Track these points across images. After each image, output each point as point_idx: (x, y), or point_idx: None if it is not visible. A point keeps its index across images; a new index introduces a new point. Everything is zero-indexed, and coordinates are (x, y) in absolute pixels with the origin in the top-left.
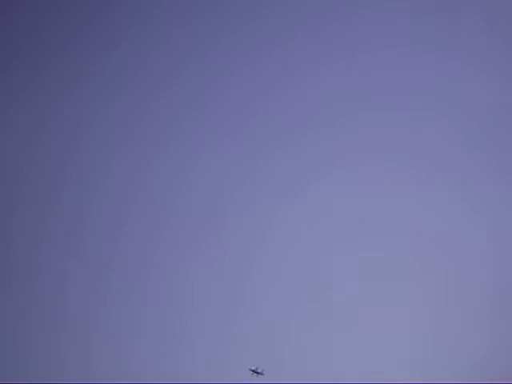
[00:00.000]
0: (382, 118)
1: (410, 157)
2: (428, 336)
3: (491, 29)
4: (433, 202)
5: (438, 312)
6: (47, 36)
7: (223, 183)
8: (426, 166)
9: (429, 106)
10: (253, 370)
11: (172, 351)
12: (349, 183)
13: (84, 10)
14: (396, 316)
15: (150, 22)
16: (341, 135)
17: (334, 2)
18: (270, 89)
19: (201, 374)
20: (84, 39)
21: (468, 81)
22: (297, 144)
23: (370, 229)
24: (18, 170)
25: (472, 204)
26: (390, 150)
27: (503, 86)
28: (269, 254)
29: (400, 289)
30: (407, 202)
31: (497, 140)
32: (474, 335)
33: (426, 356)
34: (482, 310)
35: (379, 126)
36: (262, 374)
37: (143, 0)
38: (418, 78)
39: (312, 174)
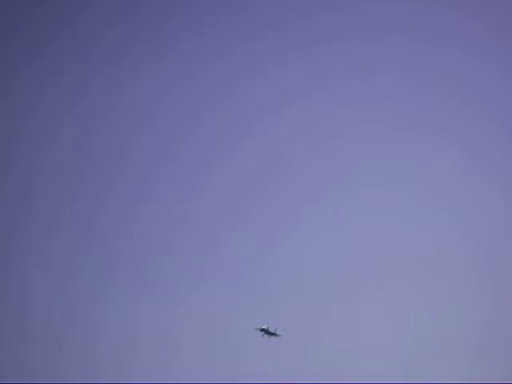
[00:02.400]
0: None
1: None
2: (427, 336)
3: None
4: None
5: (436, 312)
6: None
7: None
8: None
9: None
10: (263, 330)
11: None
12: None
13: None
14: (395, 315)
15: None
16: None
17: None
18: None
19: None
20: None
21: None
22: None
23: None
24: None
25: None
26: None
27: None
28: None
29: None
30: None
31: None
32: (474, 335)
33: (425, 355)
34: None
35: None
36: (276, 334)
37: None
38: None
39: None
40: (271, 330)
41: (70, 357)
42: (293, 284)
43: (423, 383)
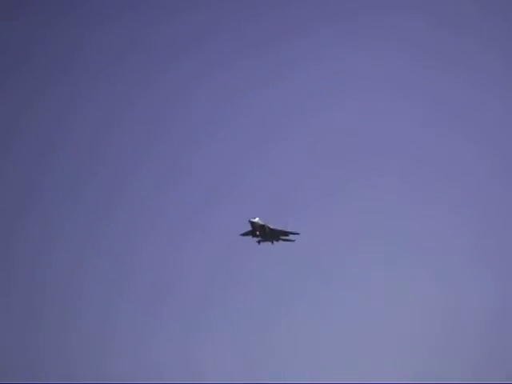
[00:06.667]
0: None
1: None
2: (429, 338)
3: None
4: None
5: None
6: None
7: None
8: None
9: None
10: (254, 230)
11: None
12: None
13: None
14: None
15: None
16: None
17: None
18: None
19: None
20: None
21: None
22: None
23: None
24: None
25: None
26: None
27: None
28: None
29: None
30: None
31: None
32: (473, 337)
33: (426, 356)
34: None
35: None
36: (288, 233)
37: None
38: None
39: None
40: (284, 228)
41: None
42: None
43: (423, 383)
